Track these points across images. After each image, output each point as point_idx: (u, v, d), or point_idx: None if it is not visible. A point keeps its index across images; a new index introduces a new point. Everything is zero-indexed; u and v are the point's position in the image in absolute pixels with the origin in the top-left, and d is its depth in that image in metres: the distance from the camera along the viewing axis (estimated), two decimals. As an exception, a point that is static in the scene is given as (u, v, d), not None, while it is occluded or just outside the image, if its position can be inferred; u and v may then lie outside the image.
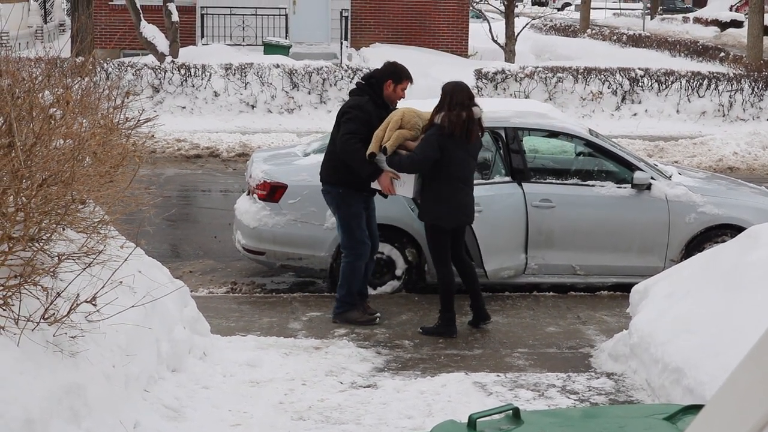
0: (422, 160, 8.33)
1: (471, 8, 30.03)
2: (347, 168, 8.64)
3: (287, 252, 9.79)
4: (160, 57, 22.78)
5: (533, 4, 69.36)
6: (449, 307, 8.60)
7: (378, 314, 8.97)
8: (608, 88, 22.02)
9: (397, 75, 8.86)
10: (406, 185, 8.58)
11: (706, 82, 22.14)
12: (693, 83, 22.11)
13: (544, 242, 9.73)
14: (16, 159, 5.26)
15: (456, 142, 8.31)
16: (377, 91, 8.80)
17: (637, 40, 36.71)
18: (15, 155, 5.27)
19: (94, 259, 5.64)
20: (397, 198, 9.27)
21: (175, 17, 23.74)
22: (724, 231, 9.83)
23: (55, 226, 5.62)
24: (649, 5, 55.15)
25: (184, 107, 20.77)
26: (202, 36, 26.32)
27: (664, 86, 22.11)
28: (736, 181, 11.29)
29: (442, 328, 8.60)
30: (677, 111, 21.94)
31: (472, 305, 8.80)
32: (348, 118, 8.64)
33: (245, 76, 21.03)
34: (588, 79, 22.07)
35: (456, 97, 8.40)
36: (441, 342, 8.41)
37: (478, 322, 8.78)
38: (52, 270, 5.47)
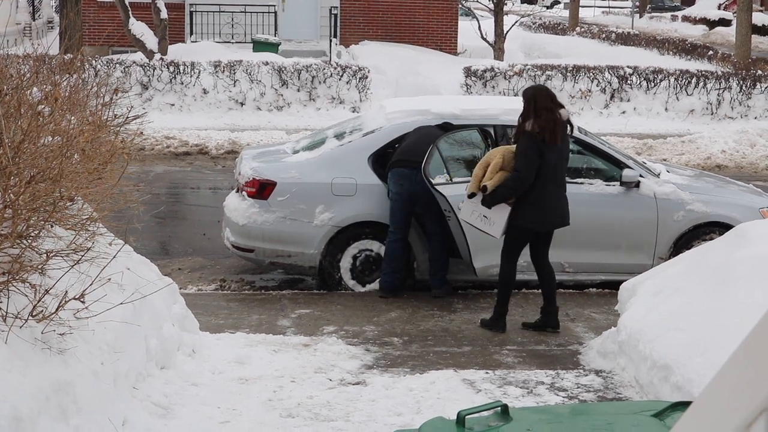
0: (527, 175, 8.32)
1: (460, 6, 30.02)
2: None
3: (276, 249, 9.79)
4: (149, 54, 22.73)
5: (522, 2, 69.40)
6: (504, 302, 8.69)
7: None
8: (597, 86, 22.05)
9: None
10: (496, 225, 8.56)
11: (694, 80, 22.18)
12: (681, 81, 22.15)
13: (533, 240, 9.74)
14: (3, 156, 5.25)
15: (548, 146, 8.32)
16: None
17: (625, 39, 36.74)
18: (3, 152, 5.26)
19: (82, 256, 5.63)
20: (386, 195, 9.30)
21: (164, 14, 23.69)
22: (712, 228, 9.86)
23: (43, 223, 5.61)
24: (637, 3, 55.21)
25: (173, 104, 20.73)
26: (191, 33, 26.27)
27: (652, 84, 22.14)
28: (724, 179, 11.32)
29: (492, 321, 8.72)
30: (666, 109, 21.98)
31: (544, 309, 8.76)
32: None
33: (234, 74, 21.00)
34: (577, 77, 22.09)
35: (540, 101, 8.38)
36: (430, 339, 8.42)
37: (545, 326, 8.73)
38: (40, 267, 5.46)
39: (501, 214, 8.48)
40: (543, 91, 8.57)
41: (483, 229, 8.59)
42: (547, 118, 8.29)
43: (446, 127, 9.64)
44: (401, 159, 9.46)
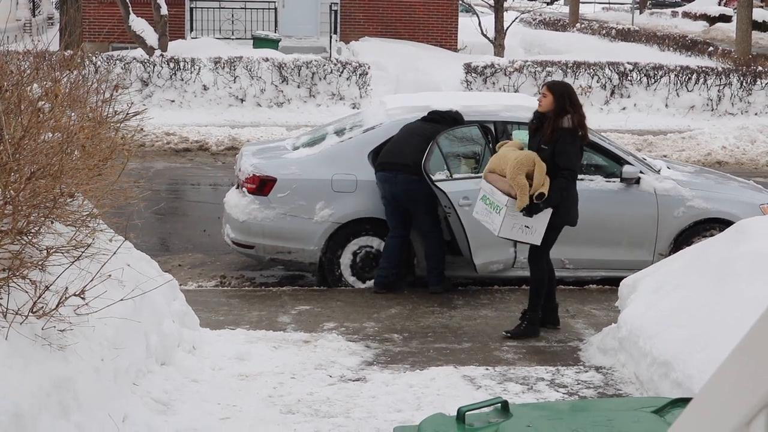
0: (577, 173, 8.23)
1: (460, 2, 30.01)
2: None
3: (276, 245, 9.79)
4: (149, 50, 22.72)
5: (522, -2, 69.32)
6: (539, 305, 8.50)
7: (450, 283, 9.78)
8: (597, 82, 22.04)
9: None
10: (537, 232, 8.17)
11: (694, 76, 22.18)
12: (682, 77, 22.14)
13: (534, 236, 9.74)
14: (4, 152, 5.24)
15: (582, 142, 8.25)
16: None
17: (626, 35, 36.73)
18: (3, 148, 5.26)
19: (82, 252, 5.63)
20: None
21: (164, 10, 23.67)
22: (712, 225, 9.86)
23: (43, 219, 5.61)
24: (638, 0, 55.19)
25: (173, 101, 20.73)
26: (191, 29, 26.26)
27: (652, 80, 22.14)
28: (724, 176, 11.32)
29: (528, 328, 8.48)
30: (666, 105, 21.98)
31: (544, 306, 8.61)
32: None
33: (234, 70, 20.99)
34: (577, 74, 22.08)
35: (574, 97, 8.23)
36: (430, 335, 8.42)
37: (545, 323, 8.62)
38: (40, 263, 5.46)
39: (543, 219, 8.13)
40: (570, 86, 8.47)
41: (524, 240, 8.25)
42: (582, 114, 8.20)
43: (433, 118, 9.60)
44: (381, 162, 9.52)
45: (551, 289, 8.66)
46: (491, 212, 8.27)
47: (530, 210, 8.03)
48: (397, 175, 9.31)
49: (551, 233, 8.34)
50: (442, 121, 9.54)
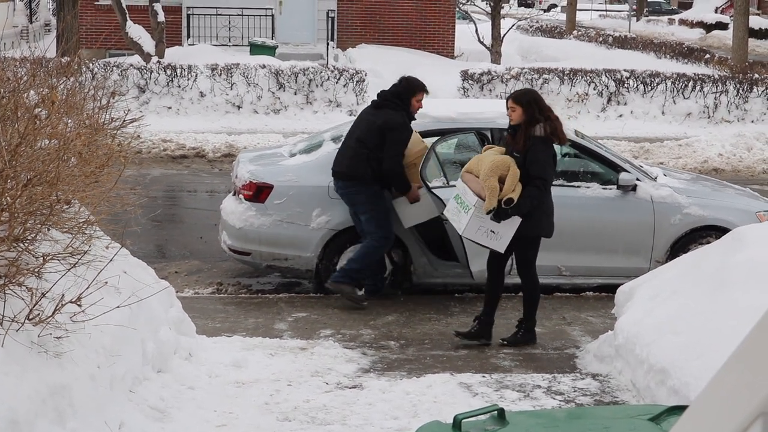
0: (551, 182, 8.22)
1: (457, 9, 30.04)
2: (378, 168, 9.17)
3: (273, 252, 9.79)
4: (146, 57, 22.73)
5: (519, 6, 69.48)
6: (534, 314, 8.51)
7: (366, 303, 9.27)
8: (594, 89, 22.06)
9: (413, 89, 9.35)
10: (503, 239, 8.09)
11: (691, 83, 22.20)
12: (678, 85, 22.16)
13: (530, 243, 9.73)
14: (0, 159, 5.24)
15: (561, 144, 8.26)
16: (407, 108, 9.30)
17: (622, 42, 36.78)
18: (0, 155, 5.26)
19: (79, 259, 5.63)
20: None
21: (161, 17, 23.69)
22: (709, 232, 9.86)
23: (40, 226, 5.61)
24: (635, 7, 55.30)
25: (170, 107, 20.72)
26: (188, 36, 26.27)
27: (649, 88, 22.16)
28: (721, 183, 11.33)
29: (524, 336, 8.48)
30: (662, 112, 22.00)
31: (483, 319, 8.51)
32: (398, 139, 9.19)
33: (231, 77, 21.00)
34: (574, 81, 22.10)
35: (541, 103, 8.23)
36: (427, 342, 8.42)
37: (480, 335, 8.45)
38: (37, 270, 5.46)
39: (510, 226, 8.07)
40: (535, 92, 8.50)
41: (487, 245, 8.18)
42: (554, 119, 8.20)
43: (379, 104, 9.46)
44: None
45: (495, 304, 8.49)
46: (460, 211, 8.22)
47: (498, 214, 7.98)
48: (337, 183, 9.41)
49: (529, 245, 8.30)
50: (387, 104, 9.40)
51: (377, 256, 9.40)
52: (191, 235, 12.43)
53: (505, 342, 8.38)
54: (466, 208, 8.13)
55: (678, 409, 4.07)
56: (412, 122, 9.68)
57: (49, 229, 5.87)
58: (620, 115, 21.88)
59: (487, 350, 8.27)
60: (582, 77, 22.19)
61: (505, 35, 28.79)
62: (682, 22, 53.61)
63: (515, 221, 8.04)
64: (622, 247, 9.93)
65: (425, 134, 9.89)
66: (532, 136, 8.09)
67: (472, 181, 8.17)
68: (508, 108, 8.30)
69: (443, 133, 9.64)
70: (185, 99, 20.82)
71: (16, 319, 5.11)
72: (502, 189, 7.96)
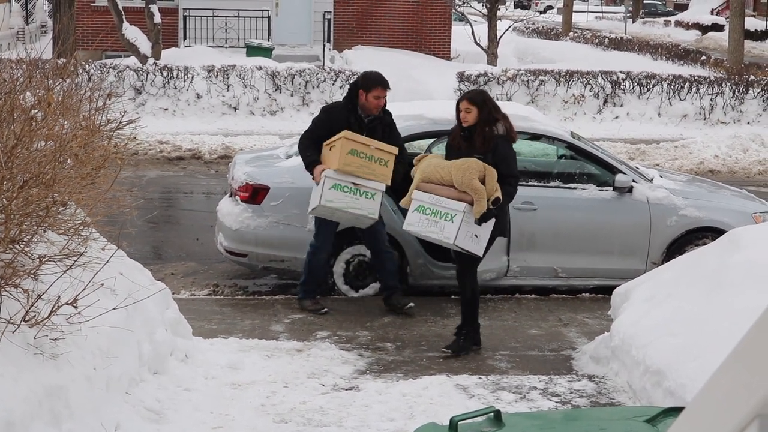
0: (518, 178, 8.17)
1: (453, 11, 30.06)
2: None
3: (269, 254, 9.78)
4: (143, 59, 22.72)
5: (516, 7, 69.48)
6: (476, 317, 8.32)
7: (325, 309, 9.10)
8: (590, 91, 22.09)
9: (366, 83, 8.93)
10: (482, 242, 7.91)
11: (687, 85, 22.23)
12: (674, 86, 22.20)
13: (526, 245, 9.75)
14: (-3, 160, 5.24)
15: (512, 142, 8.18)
16: (353, 100, 8.99)
17: (618, 44, 36.84)
18: (-4, 157, 5.25)
19: (75, 261, 5.63)
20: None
21: (158, 19, 23.69)
22: (705, 234, 9.87)
23: (36, 227, 5.61)
24: (631, 8, 55.35)
25: (166, 109, 20.73)
26: (185, 38, 26.27)
27: (645, 89, 22.19)
28: (717, 184, 11.34)
29: (469, 342, 8.26)
30: (659, 114, 22.02)
31: (473, 327, 8.36)
32: (313, 119, 9.20)
33: (228, 78, 21.00)
34: (570, 82, 22.12)
35: (494, 102, 8.17)
36: (423, 344, 8.42)
37: (472, 344, 8.30)
38: (33, 272, 5.45)
39: (488, 229, 7.97)
40: (486, 92, 8.39)
41: (471, 250, 7.97)
42: (505, 116, 8.14)
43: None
44: None
45: (476, 308, 8.38)
46: (438, 221, 7.91)
47: (484, 216, 7.87)
48: None
49: (488, 246, 8.12)
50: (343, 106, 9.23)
51: (314, 264, 9.17)
52: (187, 237, 12.43)
53: (449, 351, 8.14)
54: (448, 216, 7.88)
55: (674, 411, 4.07)
56: (412, 123, 9.71)
57: (45, 231, 5.87)
58: (616, 117, 21.90)
59: (483, 352, 8.26)
60: (578, 79, 22.21)
61: (501, 37, 28.81)
62: (678, 23, 53.69)
63: (491, 223, 7.95)
64: (619, 249, 9.94)
65: (422, 136, 9.91)
66: (495, 135, 8.01)
67: (439, 189, 7.97)
68: (461, 110, 8.11)
69: (439, 135, 9.64)
70: (182, 100, 20.82)
71: (12, 321, 5.11)
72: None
